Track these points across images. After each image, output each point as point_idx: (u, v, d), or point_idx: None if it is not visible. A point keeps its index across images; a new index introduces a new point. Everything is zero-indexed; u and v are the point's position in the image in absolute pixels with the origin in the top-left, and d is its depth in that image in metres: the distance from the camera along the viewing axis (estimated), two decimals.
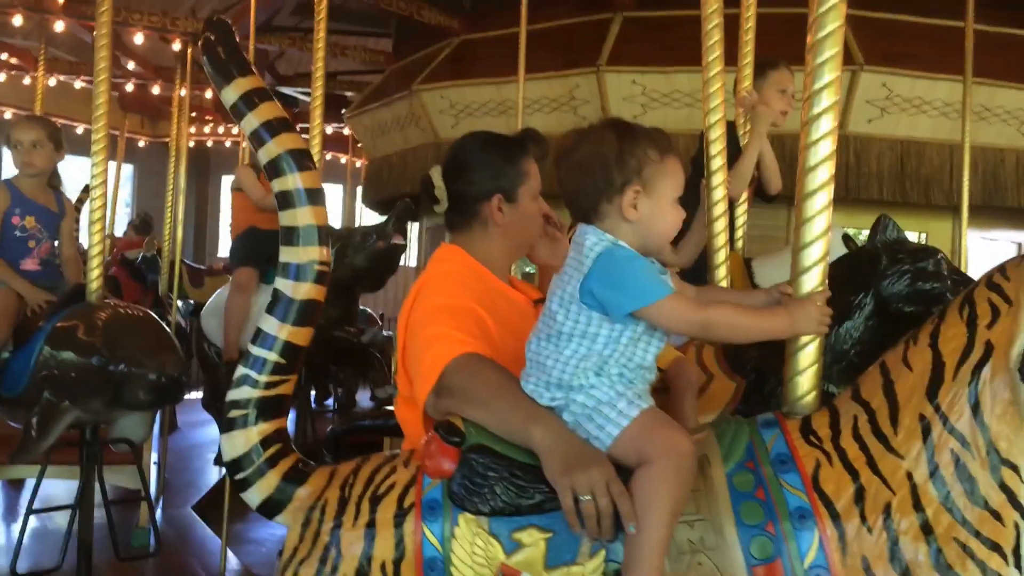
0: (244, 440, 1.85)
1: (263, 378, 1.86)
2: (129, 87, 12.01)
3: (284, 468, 1.85)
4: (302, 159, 1.89)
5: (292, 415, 5.44)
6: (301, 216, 1.88)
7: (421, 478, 1.72)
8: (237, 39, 1.95)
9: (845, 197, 6.49)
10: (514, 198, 2.12)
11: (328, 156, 17.13)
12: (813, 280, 1.76)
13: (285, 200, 1.88)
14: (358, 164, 15.44)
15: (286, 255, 1.88)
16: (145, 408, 3.86)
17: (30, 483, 4.87)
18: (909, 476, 1.57)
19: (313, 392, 9.41)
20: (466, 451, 1.69)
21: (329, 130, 15.55)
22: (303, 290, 1.87)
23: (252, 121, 1.87)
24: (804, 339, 1.77)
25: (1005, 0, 6.79)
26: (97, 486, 4.07)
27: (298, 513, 1.79)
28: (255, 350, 1.87)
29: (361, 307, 7.84)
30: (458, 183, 2.14)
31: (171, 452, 7.10)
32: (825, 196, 1.77)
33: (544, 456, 1.64)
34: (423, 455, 1.73)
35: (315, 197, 1.88)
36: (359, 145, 12.04)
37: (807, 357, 1.76)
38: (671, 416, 2.42)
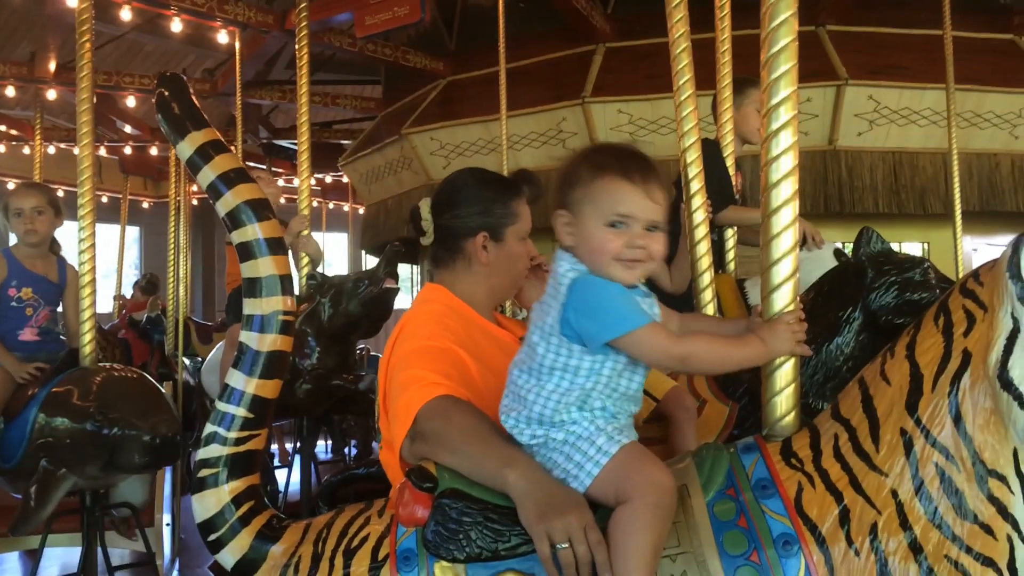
0: (216, 500, 1.81)
1: (232, 434, 1.83)
2: (127, 150, 12.17)
3: (258, 526, 1.81)
4: (261, 209, 1.87)
5: (299, 468, 5.37)
6: (263, 267, 1.86)
7: (395, 528, 1.67)
8: (191, 93, 1.95)
9: (840, 212, 6.48)
10: (500, 237, 2.09)
11: (331, 205, 17.28)
12: (784, 298, 1.72)
13: (246, 251, 1.86)
14: (361, 211, 15.56)
15: (250, 307, 1.86)
16: (141, 470, 3.83)
17: (48, 552, 4.84)
18: (894, 494, 1.51)
19: (330, 442, 9.34)
20: (439, 497, 1.64)
21: (329, 179, 15.70)
22: (268, 341, 1.85)
23: (208, 174, 1.86)
24: (779, 359, 1.72)
25: (984, 5, 6.80)
26: (100, 552, 4.03)
27: (272, 572, 1.75)
28: (222, 406, 1.84)
29: (373, 353, 7.80)
30: (445, 217, 2.11)
31: (186, 512, 7.02)
32: (790, 212, 1.73)
33: (519, 501, 1.59)
34: (396, 503, 1.68)
35: (275, 247, 1.87)
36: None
37: (784, 377, 1.71)
38: (674, 446, 2.39)
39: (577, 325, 1.61)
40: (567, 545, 1.50)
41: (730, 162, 3.97)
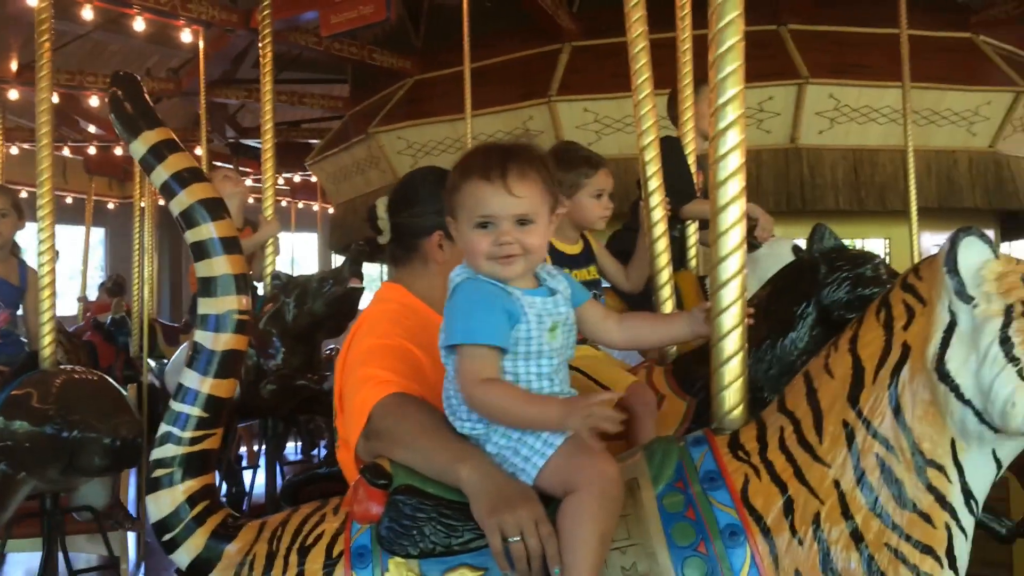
0: (170, 500, 1.81)
1: (187, 434, 1.83)
2: (92, 150, 12.03)
3: (212, 525, 1.81)
4: (215, 209, 1.87)
5: (265, 469, 5.35)
6: (217, 266, 1.86)
7: (350, 525, 1.68)
8: (145, 92, 1.94)
9: (802, 209, 6.56)
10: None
11: (300, 205, 17.18)
12: (732, 294, 1.75)
13: (200, 251, 1.86)
14: (330, 211, 15.48)
15: (204, 306, 1.86)
16: (102, 473, 3.79)
17: (12, 557, 4.77)
18: (836, 484, 1.55)
19: (299, 444, 9.29)
20: (393, 493, 1.65)
21: (298, 178, 15.61)
22: (223, 341, 1.85)
23: (162, 173, 1.86)
24: (728, 353, 1.75)
25: (943, 5, 6.92)
26: (61, 557, 3.99)
27: (227, 571, 1.75)
28: (177, 406, 1.83)
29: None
30: (402, 215, 2.11)
31: None
32: (737, 209, 1.76)
33: (471, 496, 1.60)
34: (350, 500, 1.69)
35: (230, 246, 1.87)
36: None
37: (731, 372, 1.75)
38: (635, 440, 2.42)
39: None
40: (519, 538, 1.52)
41: (692, 159, 4.01)
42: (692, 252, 4.03)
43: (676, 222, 3.87)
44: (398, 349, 1.92)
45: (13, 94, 8.77)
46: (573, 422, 1.51)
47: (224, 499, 5.06)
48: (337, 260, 13.27)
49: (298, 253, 17.41)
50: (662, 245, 2.96)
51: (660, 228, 2.95)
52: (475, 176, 1.62)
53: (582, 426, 1.50)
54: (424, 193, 2.12)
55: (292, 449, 9.24)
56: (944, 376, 1.51)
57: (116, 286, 10.64)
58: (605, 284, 3.27)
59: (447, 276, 2.07)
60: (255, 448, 8.06)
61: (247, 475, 6.80)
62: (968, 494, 1.54)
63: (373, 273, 12.04)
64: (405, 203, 2.12)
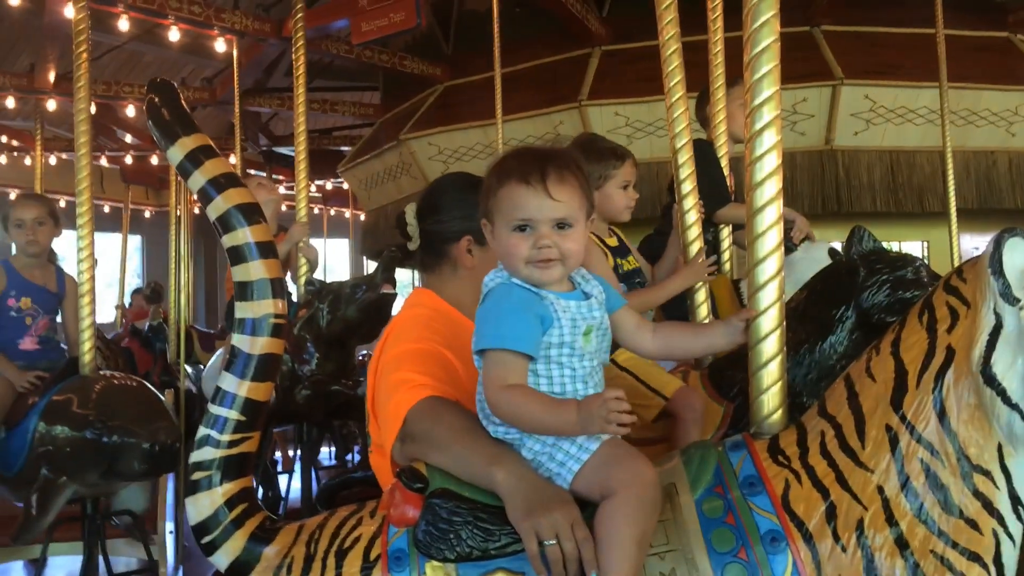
0: (209, 502, 1.82)
1: (225, 437, 1.84)
2: (128, 159, 12.21)
3: (251, 528, 1.82)
4: (251, 213, 1.88)
5: (300, 474, 5.38)
6: (254, 270, 1.87)
7: (387, 528, 1.68)
8: (182, 99, 1.96)
9: (838, 211, 6.49)
10: (485, 240, 2.10)
11: (332, 211, 17.31)
12: (770, 297, 1.73)
13: (237, 255, 1.87)
14: (362, 217, 15.58)
15: (241, 310, 1.87)
16: (141, 478, 3.85)
17: (53, 560, 4.84)
18: (880, 490, 1.52)
19: (334, 449, 9.34)
20: (429, 497, 1.65)
21: (330, 185, 15.74)
22: (260, 344, 1.86)
23: (198, 179, 1.88)
24: (766, 357, 1.73)
25: (979, 4, 6.81)
26: (102, 561, 4.04)
27: (265, 573, 1.76)
28: (215, 409, 1.85)
29: None
30: (430, 222, 2.12)
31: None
32: (775, 211, 1.75)
33: (507, 499, 1.59)
34: (387, 504, 1.69)
35: (266, 250, 1.88)
36: None
37: (770, 376, 1.73)
38: (677, 446, 2.40)
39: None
40: (554, 542, 1.51)
41: (724, 162, 3.99)
42: (726, 256, 4.00)
43: (709, 226, 3.84)
44: (431, 353, 1.92)
45: (51, 105, 8.93)
46: (592, 426, 1.50)
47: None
48: (369, 266, 13.35)
49: (331, 260, 17.55)
50: (695, 248, 2.94)
51: (694, 231, 2.93)
52: (513, 179, 1.62)
53: (602, 426, 1.48)
54: (451, 199, 2.12)
55: (326, 454, 9.28)
56: (990, 379, 1.48)
57: (154, 293, 10.80)
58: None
59: (477, 281, 2.08)
60: (290, 453, 8.11)
61: (282, 480, 6.84)
62: (1016, 500, 1.51)
63: (405, 279, 12.09)
64: (433, 209, 2.13)
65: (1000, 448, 1.50)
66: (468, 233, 2.07)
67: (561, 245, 1.61)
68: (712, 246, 3.91)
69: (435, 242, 2.12)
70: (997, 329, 1.49)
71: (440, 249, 2.12)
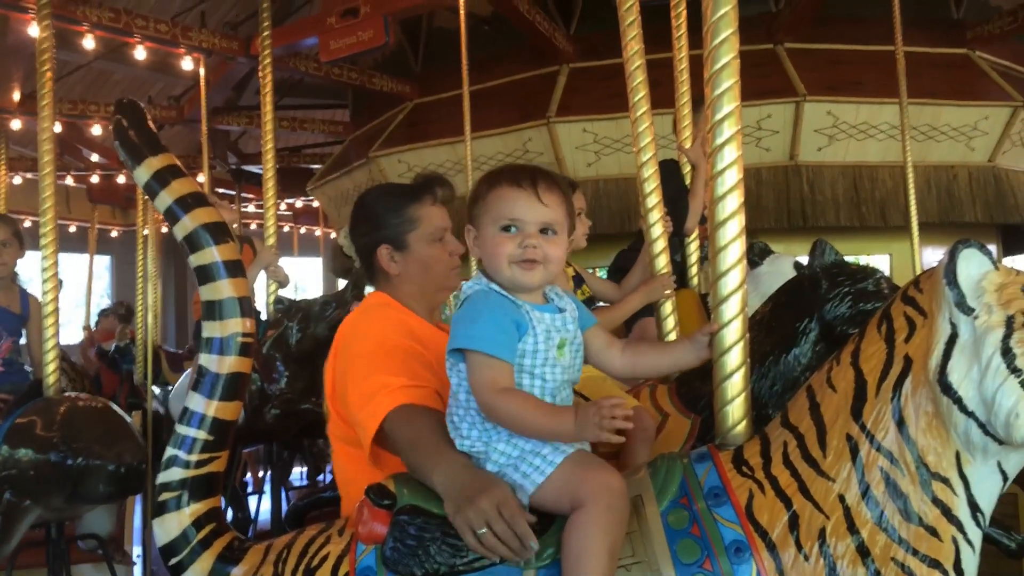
0: (177, 523, 1.81)
1: (193, 457, 1.83)
2: (95, 179, 12.08)
3: (219, 548, 1.81)
4: (219, 233, 1.89)
5: (270, 495, 5.33)
6: (222, 289, 1.87)
7: (355, 545, 1.68)
8: (149, 119, 1.96)
9: (803, 226, 6.57)
10: (403, 245, 2.15)
11: (303, 230, 17.22)
12: (733, 309, 1.76)
13: (204, 274, 1.88)
14: (333, 235, 15.45)
15: (208, 329, 1.87)
16: (106, 500, 3.78)
17: None
18: (841, 498, 1.55)
19: (304, 469, 9.24)
20: (397, 513, 1.66)
21: (300, 203, 15.65)
22: (228, 364, 1.86)
23: (165, 199, 1.87)
24: (730, 368, 1.75)
25: (938, 21, 6.96)
26: None
27: None
28: (182, 429, 1.84)
29: None
30: (355, 237, 2.22)
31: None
32: (736, 224, 1.77)
33: (444, 500, 1.63)
34: (356, 521, 1.69)
35: (234, 269, 1.88)
36: None
37: (734, 387, 1.75)
38: (625, 462, 2.41)
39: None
40: (486, 530, 1.53)
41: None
42: (693, 270, 4.04)
43: (678, 245, 3.90)
44: (401, 347, 1.95)
45: (16, 124, 8.81)
46: (588, 431, 1.52)
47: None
48: (341, 284, 13.27)
49: (302, 278, 17.44)
50: (663, 261, 2.97)
51: (660, 244, 2.96)
52: (504, 183, 1.67)
53: (598, 432, 1.50)
54: (364, 212, 2.20)
55: (297, 475, 9.19)
56: (947, 388, 1.51)
57: (128, 312, 10.64)
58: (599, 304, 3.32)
59: (406, 284, 2.13)
60: (260, 474, 8.03)
61: (252, 501, 6.77)
62: (974, 507, 1.54)
63: None
64: (354, 226, 2.23)
65: (958, 456, 1.53)
66: (383, 242, 2.14)
67: (545, 248, 1.65)
68: (679, 265, 3.95)
69: (363, 256, 2.21)
70: (953, 338, 1.53)
71: (368, 262, 2.20)
